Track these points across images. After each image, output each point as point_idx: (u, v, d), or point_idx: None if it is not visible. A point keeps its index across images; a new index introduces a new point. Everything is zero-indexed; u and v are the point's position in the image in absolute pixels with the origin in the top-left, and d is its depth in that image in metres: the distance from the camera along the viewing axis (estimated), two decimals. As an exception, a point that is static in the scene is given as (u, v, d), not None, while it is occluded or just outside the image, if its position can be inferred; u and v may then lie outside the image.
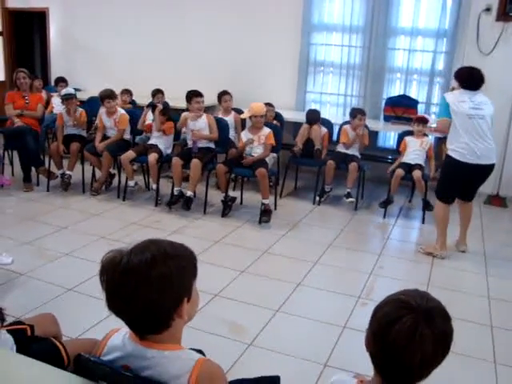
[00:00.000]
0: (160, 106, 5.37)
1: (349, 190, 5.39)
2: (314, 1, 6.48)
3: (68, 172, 5.60)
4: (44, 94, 7.00)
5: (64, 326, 2.18)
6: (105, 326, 2.71)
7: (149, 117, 5.62)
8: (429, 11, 6.10)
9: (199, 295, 1.42)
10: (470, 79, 4.11)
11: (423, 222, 5.18)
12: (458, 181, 4.19)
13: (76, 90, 7.62)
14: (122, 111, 5.61)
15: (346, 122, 5.69)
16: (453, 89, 4.31)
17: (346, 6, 6.37)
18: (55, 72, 8.11)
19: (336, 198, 5.75)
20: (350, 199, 5.37)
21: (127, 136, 5.69)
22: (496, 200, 6.00)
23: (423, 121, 5.32)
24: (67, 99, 5.56)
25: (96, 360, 1.32)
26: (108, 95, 5.44)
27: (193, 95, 5.25)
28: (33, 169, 5.64)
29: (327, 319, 3.21)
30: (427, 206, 5.18)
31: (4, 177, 5.59)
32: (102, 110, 5.56)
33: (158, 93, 6.42)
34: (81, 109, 5.73)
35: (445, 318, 1.23)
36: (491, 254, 4.43)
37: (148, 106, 5.64)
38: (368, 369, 2.45)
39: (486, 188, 6.00)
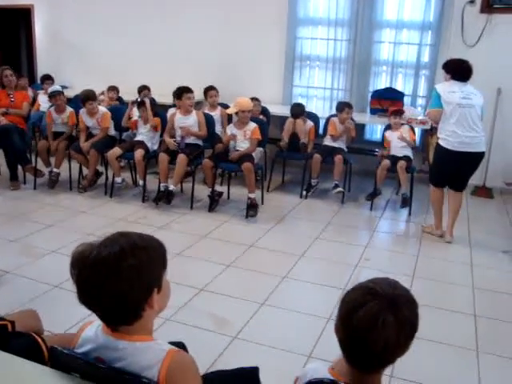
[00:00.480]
0: (147, 100, 5.36)
1: (336, 182, 5.40)
2: (298, -5, 6.49)
3: (55, 170, 5.58)
4: (30, 92, 6.98)
5: (51, 323, 2.18)
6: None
7: (135, 113, 5.62)
8: (413, 4, 6.13)
9: (170, 286, 1.43)
10: (460, 70, 4.23)
11: (410, 213, 5.21)
12: (447, 168, 4.35)
13: (63, 87, 7.59)
14: (104, 109, 5.59)
15: (333, 115, 5.70)
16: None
17: (331, -1, 6.38)
18: (41, 69, 8.07)
19: (323, 192, 5.77)
20: (338, 189, 5.38)
21: (112, 132, 5.68)
22: (482, 191, 6.05)
23: (399, 112, 5.35)
24: (54, 96, 5.52)
25: (68, 352, 1.33)
26: (89, 97, 5.39)
27: (183, 91, 5.23)
28: (19, 167, 5.62)
29: (312, 311, 3.24)
30: (404, 203, 5.20)
31: None
32: (83, 111, 5.51)
33: (144, 89, 6.41)
34: (70, 109, 5.67)
35: (411, 306, 1.24)
36: (477, 244, 4.48)
37: (134, 102, 5.64)
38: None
39: (473, 179, 6.01)
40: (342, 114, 5.49)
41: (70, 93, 7.17)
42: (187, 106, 5.20)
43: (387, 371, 2.57)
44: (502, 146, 6.03)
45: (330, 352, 2.71)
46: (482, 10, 5.84)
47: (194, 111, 5.28)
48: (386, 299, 1.20)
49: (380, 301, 1.19)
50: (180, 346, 1.91)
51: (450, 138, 4.17)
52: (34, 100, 6.74)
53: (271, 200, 5.50)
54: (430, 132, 5.99)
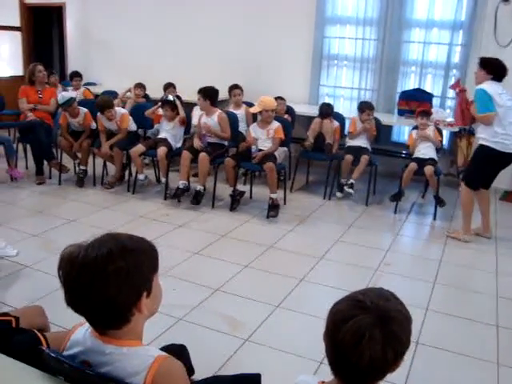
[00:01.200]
0: (175, 98, 5.39)
1: (352, 181, 5.31)
2: (327, -6, 6.40)
3: (82, 167, 5.66)
4: (61, 89, 7.11)
5: (65, 319, 2.19)
6: (163, 339, 2.74)
7: (160, 111, 5.64)
8: (444, 2, 5.97)
9: (162, 289, 1.40)
10: (503, 70, 4.11)
11: (435, 218, 5.08)
12: (497, 171, 4.32)
13: (91, 84, 7.76)
14: (122, 110, 5.59)
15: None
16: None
17: (359, -2, 6.28)
18: (72, 66, 8.21)
19: (347, 194, 5.67)
20: (350, 190, 5.29)
21: (134, 128, 5.69)
22: (513, 196, 5.87)
23: (426, 114, 5.21)
24: (66, 109, 5.53)
25: (55, 355, 1.31)
26: (108, 105, 5.38)
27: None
28: (45, 162, 5.71)
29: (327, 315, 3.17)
30: (439, 203, 5.08)
31: (16, 170, 5.66)
32: (101, 115, 5.48)
33: (169, 86, 6.43)
34: (85, 110, 5.64)
35: (401, 321, 1.18)
36: (503, 252, 4.32)
37: (161, 101, 5.65)
38: None
39: (503, 184, 5.88)
40: (362, 114, 5.41)
41: (98, 89, 7.28)
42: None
43: (400, 380, 2.51)
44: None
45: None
46: (517, 9, 5.65)
47: (216, 113, 5.25)
48: (375, 313, 1.15)
49: (368, 315, 1.14)
50: (181, 348, 1.90)
51: (506, 140, 4.09)
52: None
53: (294, 200, 5.44)
54: (458, 135, 5.83)
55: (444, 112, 5.88)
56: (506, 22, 5.70)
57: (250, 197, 5.44)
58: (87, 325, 1.34)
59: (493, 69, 4.11)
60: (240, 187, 5.39)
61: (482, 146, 4.24)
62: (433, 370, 2.74)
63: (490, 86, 4.09)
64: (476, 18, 5.83)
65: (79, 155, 5.73)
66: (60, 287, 1.27)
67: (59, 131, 5.79)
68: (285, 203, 5.26)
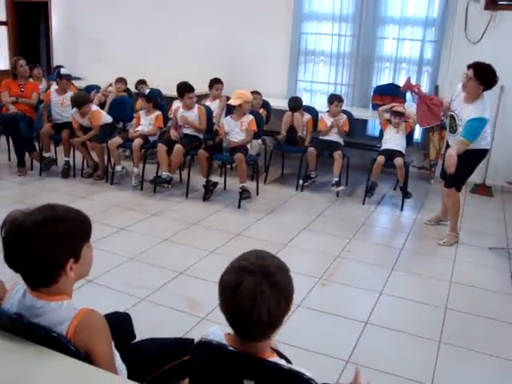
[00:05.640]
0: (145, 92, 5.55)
1: (336, 179, 5.41)
2: (304, -10, 6.55)
3: (66, 158, 5.79)
4: (44, 83, 7.23)
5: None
6: None
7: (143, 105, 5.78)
8: (417, 0, 6.11)
9: (93, 257, 1.56)
10: (495, 80, 3.97)
11: (402, 209, 5.24)
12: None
13: (76, 78, 7.86)
14: (94, 108, 5.68)
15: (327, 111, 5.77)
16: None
17: (336, -5, 6.43)
18: (57, 61, 8.33)
19: (320, 185, 5.84)
20: (341, 188, 5.41)
21: (109, 120, 5.78)
22: (482, 189, 6.02)
23: (400, 114, 5.31)
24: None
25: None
26: (85, 100, 5.51)
27: (185, 91, 5.37)
28: (27, 154, 5.84)
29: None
30: (405, 194, 5.24)
31: None
32: (75, 111, 5.58)
33: (141, 83, 6.69)
34: (94, 108, 5.70)
35: (281, 271, 1.34)
36: (464, 242, 4.48)
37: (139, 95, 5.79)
38: (312, 344, 2.59)
39: (473, 177, 6.02)
40: (331, 106, 5.57)
41: (82, 83, 7.40)
42: (188, 104, 5.35)
43: (344, 355, 2.67)
44: (504, 144, 5.97)
45: (293, 336, 2.86)
46: (487, 7, 5.79)
47: (196, 106, 5.41)
48: (259, 272, 1.29)
49: (253, 275, 1.28)
50: (123, 315, 2.06)
51: (488, 136, 4.19)
52: (48, 90, 6.95)
53: (267, 192, 5.60)
54: (430, 129, 5.98)
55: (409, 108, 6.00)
56: (476, 20, 5.84)
57: (224, 188, 5.59)
58: (24, 283, 1.50)
59: (488, 80, 3.93)
60: (216, 179, 5.54)
61: (477, 151, 4.14)
62: (376, 346, 2.90)
63: (487, 110, 4.01)
64: (447, 16, 5.99)
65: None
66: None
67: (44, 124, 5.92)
68: (257, 194, 5.42)
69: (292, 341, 2.84)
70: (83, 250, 1.50)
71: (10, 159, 6.19)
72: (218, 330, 1.46)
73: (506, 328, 3.15)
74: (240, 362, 1.34)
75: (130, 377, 1.71)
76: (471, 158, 4.17)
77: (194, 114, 5.36)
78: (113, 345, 1.62)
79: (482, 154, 4.25)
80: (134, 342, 1.96)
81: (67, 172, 5.75)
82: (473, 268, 4.02)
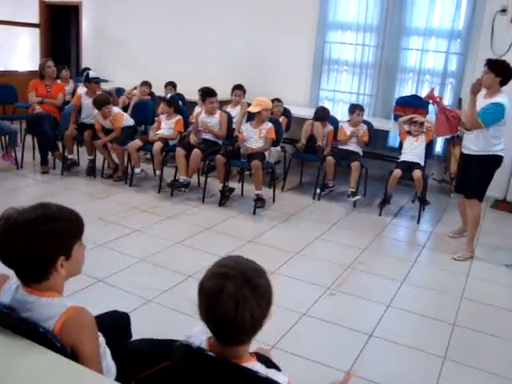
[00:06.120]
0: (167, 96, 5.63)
1: (352, 190, 5.39)
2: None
3: (90, 157, 5.93)
4: (72, 84, 7.42)
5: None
6: (133, 318, 2.91)
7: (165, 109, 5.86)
8: (443, 11, 6.07)
9: (85, 256, 1.61)
10: (511, 74, 4.03)
11: (418, 222, 5.18)
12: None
13: (104, 80, 8.01)
14: (116, 110, 5.78)
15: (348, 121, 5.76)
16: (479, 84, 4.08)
17: (360, 4, 6.42)
18: (86, 63, 8.51)
19: (338, 195, 5.82)
20: (356, 197, 5.37)
21: (130, 123, 5.88)
22: (503, 205, 5.90)
23: (420, 123, 5.29)
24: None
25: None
26: (107, 102, 5.60)
27: (206, 95, 5.44)
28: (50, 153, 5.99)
29: (290, 306, 3.32)
30: (423, 202, 5.22)
31: (12, 157, 5.93)
32: (97, 113, 5.68)
33: (168, 85, 6.72)
34: (116, 110, 5.80)
35: (259, 275, 1.35)
36: (479, 257, 4.41)
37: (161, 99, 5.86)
38: (314, 354, 2.59)
39: (494, 192, 5.93)
40: (352, 115, 5.55)
41: (109, 86, 7.53)
42: (210, 109, 5.41)
43: (345, 366, 2.65)
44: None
45: (297, 345, 2.86)
46: (514, 20, 5.71)
47: (218, 112, 5.47)
48: (239, 277, 1.30)
49: (234, 280, 1.29)
50: (121, 315, 2.09)
51: (502, 143, 4.18)
52: (74, 91, 7.12)
53: (284, 199, 5.60)
54: (452, 142, 5.91)
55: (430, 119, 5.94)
56: (503, 32, 5.76)
57: (242, 194, 5.62)
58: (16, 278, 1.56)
59: (501, 71, 4.03)
60: (234, 184, 5.58)
61: (491, 156, 4.18)
62: (378, 359, 2.88)
63: (506, 99, 4.04)
64: (473, 28, 5.91)
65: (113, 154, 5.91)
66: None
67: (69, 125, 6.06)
68: (273, 201, 5.43)
69: (293, 349, 2.85)
70: (74, 248, 1.54)
71: (34, 158, 6.35)
72: (200, 332, 1.48)
73: (513, 347, 3.09)
74: (217, 368, 1.35)
75: (119, 375, 1.75)
76: (487, 165, 4.22)
77: (215, 120, 5.41)
78: (103, 343, 1.65)
79: (497, 160, 4.23)
80: (129, 341, 1.99)
81: (92, 170, 5.89)
82: (486, 285, 3.95)
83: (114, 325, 2.02)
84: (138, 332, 2.09)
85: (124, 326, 2.07)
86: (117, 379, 1.75)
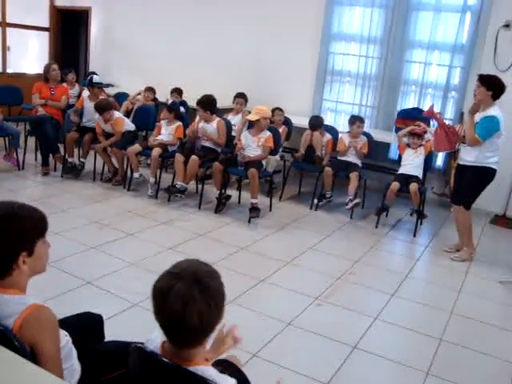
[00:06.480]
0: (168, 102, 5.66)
1: (350, 197, 5.38)
2: (334, 10, 6.59)
3: (82, 159, 5.99)
4: (77, 87, 7.49)
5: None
6: (117, 320, 3.00)
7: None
8: (446, 25, 6.06)
9: (48, 253, 1.64)
10: (502, 87, 4.22)
11: (414, 235, 5.15)
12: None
13: (109, 85, 8.10)
14: (117, 114, 5.81)
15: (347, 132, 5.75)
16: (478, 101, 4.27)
17: (365, 16, 6.45)
18: (93, 68, 8.60)
19: (336, 206, 5.80)
20: (354, 202, 5.34)
21: (131, 128, 5.90)
22: (502, 220, 5.86)
23: (418, 135, 5.27)
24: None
25: None
26: (108, 107, 5.65)
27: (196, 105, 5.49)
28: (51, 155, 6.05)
29: (275, 315, 3.31)
30: (420, 216, 5.20)
31: (14, 158, 6.00)
32: (99, 118, 5.72)
33: (174, 91, 6.73)
34: (117, 114, 5.83)
35: (212, 277, 1.37)
36: (473, 272, 4.38)
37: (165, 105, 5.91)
38: (295, 364, 2.58)
39: (494, 207, 5.90)
40: (352, 126, 5.55)
41: (114, 91, 7.61)
42: (202, 118, 5.46)
43: (325, 378, 2.64)
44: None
45: (279, 354, 2.86)
46: (517, 35, 5.70)
47: (216, 120, 5.48)
48: (189, 277, 1.31)
49: (183, 281, 1.31)
50: (93, 316, 2.10)
51: (496, 156, 4.30)
52: (80, 95, 7.18)
53: (281, 209, 5.60)
54: (452, 156, 5.88)
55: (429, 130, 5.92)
56: (506, 47, 5.75)
57: (239, 202, 5.62)
58: None
59: (492, 85, 4.19)
60: (232, 192, 5.59)
61: (485, 168, 4.32)
62: (360, 372, 2.85)
63: (498, 111, 4.20)
64: (476, 42, 5.90)
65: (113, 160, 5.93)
66: None
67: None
68: (270, 210, 5.42)
69: (273, 358, 2.84)
70: (37, 245, 1.57)
71: (36, 159, 6.40)
72: (157, 336, 1.48)
73: (498, 364, 3.04)
74: (166, 372, 1.35)
75: (85, 376, 1.75)
76: (479, 176, 4.38)
77: (212, 128, 5.42)
78: (68, 343, 1.66)
79: (490, 172, 4.35)
80: (99, 342, 1.99)
81: (79, 172, 5.93)
82: (477, 300, 3.91)
83: (86, 326, 2.03)
84: (121, 335, 2.09)
85: (97, 328, 2.07)
86: (82, 380, 1.75)
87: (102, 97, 6.12)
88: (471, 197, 4.49)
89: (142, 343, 1.98)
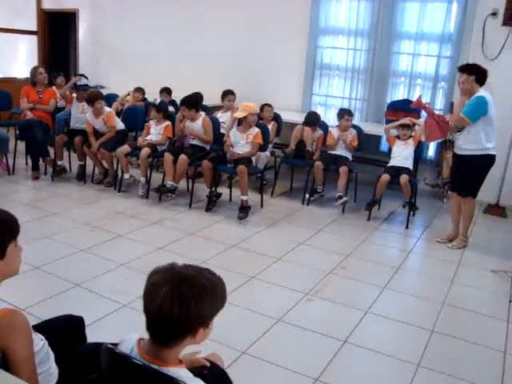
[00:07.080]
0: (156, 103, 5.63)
1: (340, 194, 5.36)
2: (321, 4, 6.56)
3: (80, 162, 5.98)
4: (67, 91, 7.44)
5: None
6: (106, 322, 2.99)
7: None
8: (433, 15, 6.03)
9: (20, 257, 1.64)
10: (485, 73, 4.27)
11: (407, 227, 5.13)
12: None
13: (100, 87, 8.07)
14: (108, 109, 5.79)
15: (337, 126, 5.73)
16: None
17: (352, 9, 6.42)
18: (83, 69, 8.54)
19: (328, 200, 5.78)
20: (342, 200, 5.32)
21: (121, 127, 5.90)
22: (495, 209, 5.84)
23: (408, 126, 5.26)
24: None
25: None
26: (99, 96, 5.64)
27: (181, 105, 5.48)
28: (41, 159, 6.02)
29: (265, 311, 3.29)
30: (412, 208, 5.19)
31: (4, 163, 5.98)
32: (89, 114, 5.71)
33: (163, 91, 6.71)
34: (108, 109, 5.82)
35: (197, 274, 1.37)
36: (466, 262, 4.36)
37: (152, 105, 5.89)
38: (284, 360, 2.56)
39: (487, 197, 5.88)
40: (341, 120, 5.53)
41: (105, 92, 7.57)
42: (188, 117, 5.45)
43: (315, 371, 2.62)
44: (520, 163, 5.81)
45: (269, 350, 2.85)
46: (505, 23, 5.66)
47: (201, 117, 5.44)
48: (176, 277, 1.33)
49: (170, 279, 1.32)
50: (77, 319, 2.08)
51: (493, 141, 4.31)
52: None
53: (272, 205, 5.58)
54: (444, 146, 5.87)
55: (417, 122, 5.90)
56: (494, 36, 5.72)
57: (230, 199, 5.60)
58: None
59: (473, 69, 4.26)
60: (224, 190, 5.57)
61: (484, 156, 4.33)
62: (350, 366, 2.84)
63: (488, 95, 4.22)
64: (464, 31, 5.88)
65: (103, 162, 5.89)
66: None
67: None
68: (261, 206, 5.40)
69: (263, 355, 2.83)
70: (9, 249, 1.56)
71: (26, 163, 6.37)
72: (133, 337, 1.46)
73: (490, 354, 3.02)
74: (136, 373, 1.33)
75: (62, 379, 1.73)
76: (480, 164, 4.38)
77: (197, 126, 5.39)
78: (45, 346, 1.64)
79: (489, 159, 4.37)
80: (79, 345, 1.97)
81: (82, 175, 5.91)
82: (470, 290, 3.90)
83: (66, 328, 2.01)
84: (110, 337, 2.06)
85: (77, 330, 2.05)
86: (60, 383, 1.74)
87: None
88: (477, 186, 4.49)
89: (115, 344, 1.97)
